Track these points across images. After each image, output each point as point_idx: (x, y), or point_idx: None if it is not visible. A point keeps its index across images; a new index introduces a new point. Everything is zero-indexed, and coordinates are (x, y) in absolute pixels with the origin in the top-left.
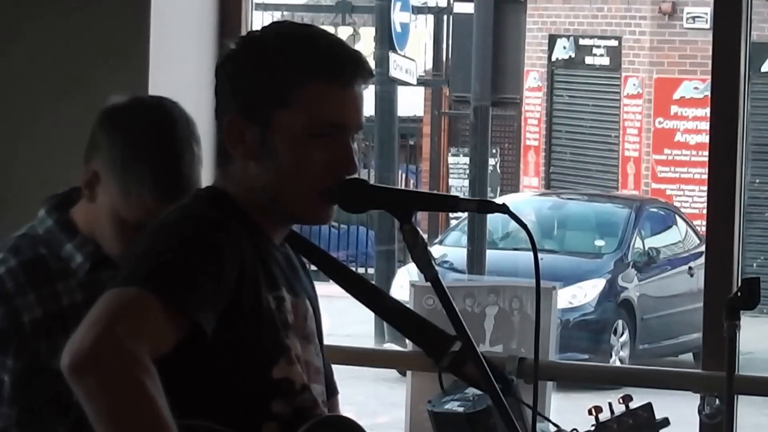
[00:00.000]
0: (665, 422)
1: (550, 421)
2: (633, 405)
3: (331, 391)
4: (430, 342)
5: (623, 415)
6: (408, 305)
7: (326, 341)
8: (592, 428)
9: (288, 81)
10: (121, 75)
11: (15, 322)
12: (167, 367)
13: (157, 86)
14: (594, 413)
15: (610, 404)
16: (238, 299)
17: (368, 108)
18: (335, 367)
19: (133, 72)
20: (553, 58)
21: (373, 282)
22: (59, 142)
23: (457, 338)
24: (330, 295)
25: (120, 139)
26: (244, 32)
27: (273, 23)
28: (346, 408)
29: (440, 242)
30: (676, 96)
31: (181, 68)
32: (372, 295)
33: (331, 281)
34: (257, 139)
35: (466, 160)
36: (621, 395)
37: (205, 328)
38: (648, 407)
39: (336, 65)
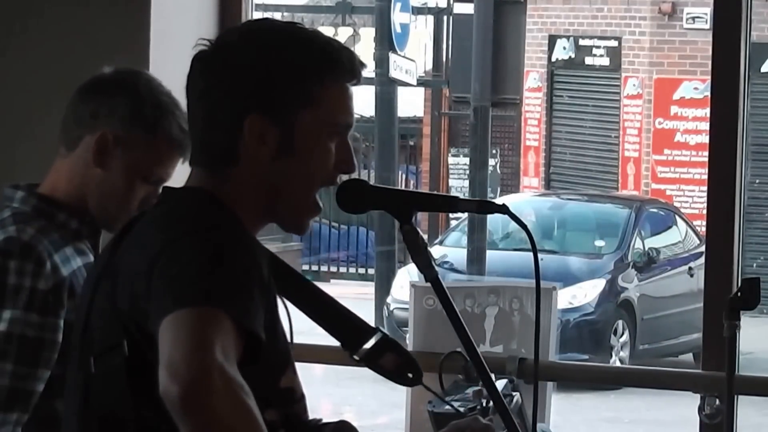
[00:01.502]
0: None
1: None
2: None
3: None
4: (346, 334)
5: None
6: (407, 304)
7: (326, 342)
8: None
9: (312, 80)
10: None
11: (55, 282)
12: None
13: None
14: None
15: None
16: (266, 308)
17: (368, 108)
18: (335, 368)
19: None
20: (553, 59)
21: (373, 283)
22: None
23: (377, 330)
24: None
25: (143, 98)
26: None
27: (256, 21)
28: (347, 409)
29: (440, 243)
30: (676, 96)
31: (180, 68)
32: (293, 284)
33: (331, 281)
34: (277, 138)
35: (466, 160)
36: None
37: (263, 340)
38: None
39: (348, 64)
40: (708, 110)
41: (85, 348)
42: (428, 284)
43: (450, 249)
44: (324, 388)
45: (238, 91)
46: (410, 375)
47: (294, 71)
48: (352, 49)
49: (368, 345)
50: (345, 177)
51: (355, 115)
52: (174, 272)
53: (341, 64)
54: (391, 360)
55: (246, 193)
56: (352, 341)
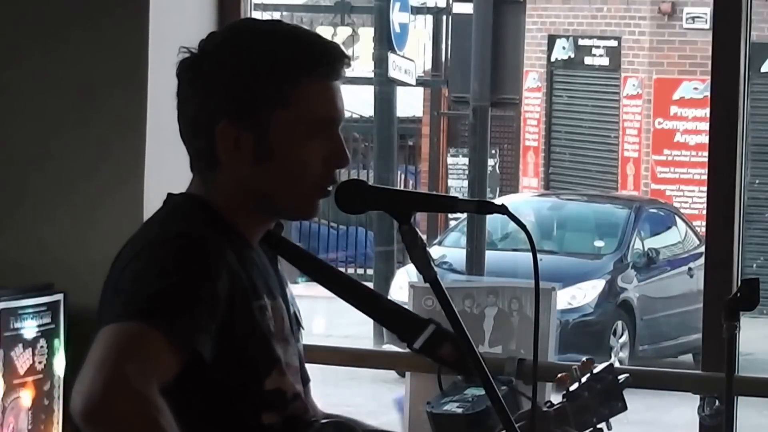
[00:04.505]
0: (627, 380)
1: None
2: (596, 369)
3: (305, 379)
4: (403, 326)
5: (590, 381)
6: (405, 304)
7: (325, 342)
8: (564, 400)
9: (283, 82)
10: (119, 75)
11: None
12: (167, 393)
13: (156, 86)
14: (562, 382)
15: (574, 370)
16: (230, 316)
17: (367, 108)
18: (334, 369)
19: (131, 72)
20: (553, 59)
21: (372, 283)
22: (57, 142)
23: (431, 321)
24: (329, 297)
25: None
26: None
27: (236, 22)
28: (345, 409)
29: (439, 243)
30: (676, 96)
31: None
32: (350, 287)
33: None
34: (252, 143)
35: (465, 160)
36: (582, 360)
37: (204, 354)
38: (610, 368)
39: (327, 61)
40: (708, 110)
41: None
42: (427, 285)
43: (449, 249)
44: (323, 388)
45: (209, 98)
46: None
47: (265, 75)
48: (336, 44)
49: (425, 336)
50: (343, 173)
51: (345, 109)
52: (117, 286)
53: (318, 64)
54: (449, 351)
55: (233, 198)
56: (409, 333)
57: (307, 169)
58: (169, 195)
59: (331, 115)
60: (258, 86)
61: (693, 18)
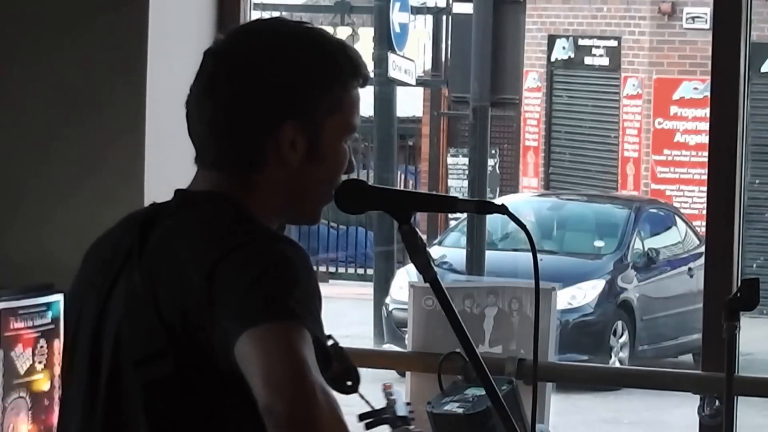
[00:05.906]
0: None
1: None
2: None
3: None
4: None
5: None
6: (405, 304)
7: None
8: None
9: (339, 87)
10: (118, 75)
11: None
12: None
13: (155, 86)
14: None
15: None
16: None
17: (367, 108)
18: None
19: (131, 71)
20: (553, 59)
21: (372, 283)
22: (58, 142)
23: (329, 337)
24: (329, 296)
25: None
26: None
27: (268, 21)
28: (344, 409)
29: (439, 243)
30: (676, 96)
31: (179, 68)
32: None
33: (330, 282)
34: (306, 145)
35: (465, 160)
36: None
37: (332, 356)
38: None
39: (365, 68)
40: (708, 110)
41: (99, 356)
42: (427, 285)
43: (449, 249)
44: None
45: (273, 98)
46: (349, 383)
47: (325, 78)
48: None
49: None
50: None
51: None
52: (249, 283)
53: (358, 68)
54: (335, 367)
55: (268, 199)
56: None
57: (339, 173)
58: (186, 192)
59: (358, 122)
60: (321, 90)
61: (693, 18)
